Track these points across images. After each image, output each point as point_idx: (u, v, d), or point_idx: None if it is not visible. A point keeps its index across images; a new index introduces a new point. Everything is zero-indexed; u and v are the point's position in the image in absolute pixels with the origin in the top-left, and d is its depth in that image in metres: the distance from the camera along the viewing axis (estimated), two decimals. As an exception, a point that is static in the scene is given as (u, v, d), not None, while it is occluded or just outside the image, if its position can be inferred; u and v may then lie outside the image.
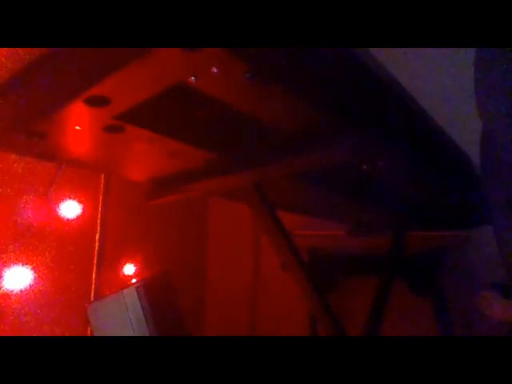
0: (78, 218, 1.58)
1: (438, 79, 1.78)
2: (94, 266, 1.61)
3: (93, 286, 1.60)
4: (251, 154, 0.77)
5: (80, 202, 1.59)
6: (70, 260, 1.56)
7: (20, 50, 0.49)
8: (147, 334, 1.20)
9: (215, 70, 0.50)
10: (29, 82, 0.53)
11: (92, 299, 1.55)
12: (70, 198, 1.56)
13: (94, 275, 1.61)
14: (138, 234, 1.87)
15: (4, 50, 0.50)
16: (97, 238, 1.64)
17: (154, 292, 1.29)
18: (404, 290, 1.56)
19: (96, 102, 0.55)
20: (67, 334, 1.50)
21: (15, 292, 1.38)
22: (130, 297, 1.23)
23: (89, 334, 1.45)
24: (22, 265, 1.39)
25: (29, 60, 0.49)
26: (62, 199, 1.55)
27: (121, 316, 1.23)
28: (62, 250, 1.54)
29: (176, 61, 0.49)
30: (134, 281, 1.65)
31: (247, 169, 0.79)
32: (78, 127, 0.63)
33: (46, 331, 1.46)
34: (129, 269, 1.80)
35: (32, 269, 1.42)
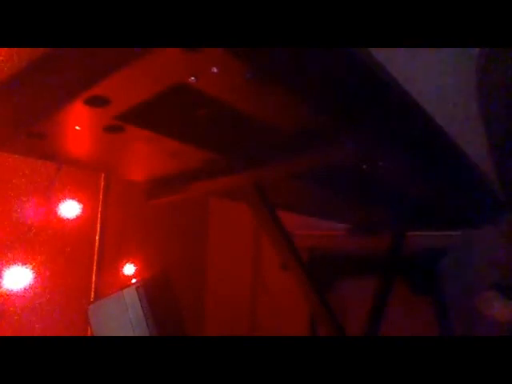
0: (78, 218, 1.58)
1: (438, 79, 1.78)
2: (94, 266, 1.61)
3: (93, 286, 1.60)
4: (251, 154, 0.77)
5: (80, 201, 1.59)
6: (70, 260, 1.56)
7: (20, 50, 0.49)
8: (147, 334, 1.20)
9: (215, 70, 0.50)
10: (29, 82, 0.53)
11: (92, 299, 1.55)
12: (70, 197, 1.57)
13: (93, 275, 1.61)
14: (138, 233, 1.87)
15: (3, 50, 0.50)
16: (97, 238, 1.64)
17: (154, 292, 1.29)
18: (404, 290, 1.56)
19: (96, 102, 0.55)
20: (67, 334, 1.50)
21: (15, 292, 1.38)
22: (130, 297, 1.23)
23: (89, 334, 1.45)
24: (22, 265, 1.39)
25: (29, 60, 0.49)
26: (62, 199, 1.55)
27: (121, 316, 1.23)
28: (62, 249, 1.54)
29: (176, 61, 0.49)
30: (134, 281, 1.65)
31: (247, 169, 0.79)
32: (78, 127, 0.63)
33: (46, 331, 1.46)
34: (129, 269, 1.80)
35: (32, 269, 1.42)
